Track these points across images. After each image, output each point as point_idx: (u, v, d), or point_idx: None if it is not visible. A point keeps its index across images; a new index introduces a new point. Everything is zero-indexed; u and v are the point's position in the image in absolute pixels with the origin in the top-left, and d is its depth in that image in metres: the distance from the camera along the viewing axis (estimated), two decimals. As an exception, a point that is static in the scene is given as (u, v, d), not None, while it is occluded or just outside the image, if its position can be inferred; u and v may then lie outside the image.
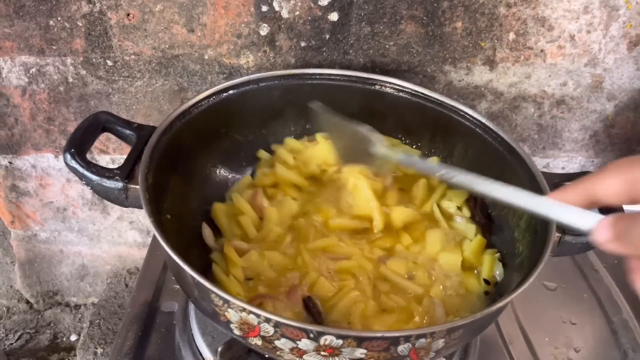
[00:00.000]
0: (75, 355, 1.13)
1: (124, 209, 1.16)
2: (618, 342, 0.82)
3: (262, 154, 0.90)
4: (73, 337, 1.24)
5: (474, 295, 0.73)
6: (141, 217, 1.19)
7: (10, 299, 1.30)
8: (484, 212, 0.82)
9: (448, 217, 0.83)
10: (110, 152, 1.08)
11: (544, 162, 1.12)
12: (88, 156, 0.70)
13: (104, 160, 1.08)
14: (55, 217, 1.18)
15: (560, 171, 1.13)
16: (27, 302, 1.30)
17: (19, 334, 1.24)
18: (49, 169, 1.11)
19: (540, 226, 0.71)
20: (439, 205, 0.83)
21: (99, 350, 1.09)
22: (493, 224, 0.82)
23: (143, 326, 0.80)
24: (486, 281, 0.74)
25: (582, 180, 0.45)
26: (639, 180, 0.39)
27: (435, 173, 0.68)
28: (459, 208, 0.84)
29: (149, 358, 0.76)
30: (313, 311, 0.65)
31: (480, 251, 0.77)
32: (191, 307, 0.80)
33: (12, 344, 1.22)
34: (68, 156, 0.68)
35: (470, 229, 0.80)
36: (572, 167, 1.13)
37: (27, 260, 1.25)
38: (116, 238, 1.22)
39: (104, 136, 1.06)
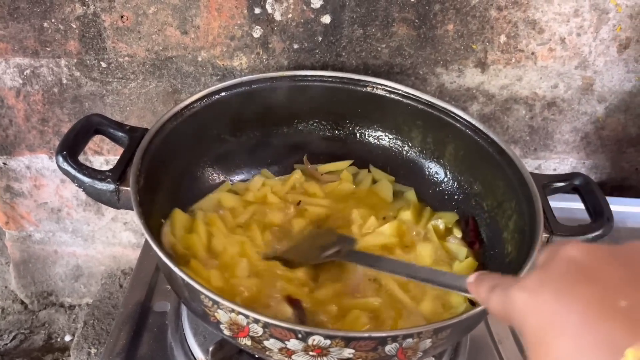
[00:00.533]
0: (69, 355, 1.13)
1: (118, 209, 1.17)
2: (606, 342, 0.83)
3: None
4: (67, 338, 1.24)
5: (460, 311, 0.71)
6: (135, 218, 1.19)
7: (5, 299, 1.30)
8: (475, 234, 0.83)
9: (441, 236, 0.83)
10: (105, 154, 1.09)
11: (536, 164, 1.13)
12: (82, 157, 0.71)
13: (98, 162, 1.09)
14: (49, 217, 1.18)
15: (552, 172, 1.13)
16: (22, 302, 1.30)
17: (13, 334, 1.24)
18: (43, 169, 1.11)
19: (528, 227, 0.72)
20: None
21: (93, 351, 1.09)
22: (484, 245, 0.82)
23: (135, 326, 0.81)
24: (471, 302, 0.72)
25: (494, 288, 0.44)
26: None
27: None
28: (450, 229, 0.84)
29: (141, 358, 0.76)
30: (299, 311, 0.66)
31: (469, 272, 0.76)
32: (183, 307, 0.81)
33: (6, 344, 1.22)
34: (60, 158, 0.69)
35: (461, 250, 0.80)
36: (564, 169, 1.13)
37: (21, 261, 1.25)
38: (110, 239, 1.22)
39: (98, 137, 1.05)
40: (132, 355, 0.77)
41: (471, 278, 0.48)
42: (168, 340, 0.79)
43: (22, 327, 1.26)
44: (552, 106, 1.05)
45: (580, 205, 0.80)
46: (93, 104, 1.02)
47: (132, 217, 1.19)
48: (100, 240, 1.22)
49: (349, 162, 0.94)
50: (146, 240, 1.01)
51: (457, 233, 0.84)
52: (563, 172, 1.12)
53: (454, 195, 0.88)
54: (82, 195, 1.15)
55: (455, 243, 0.82)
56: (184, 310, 0.80)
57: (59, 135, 1.06)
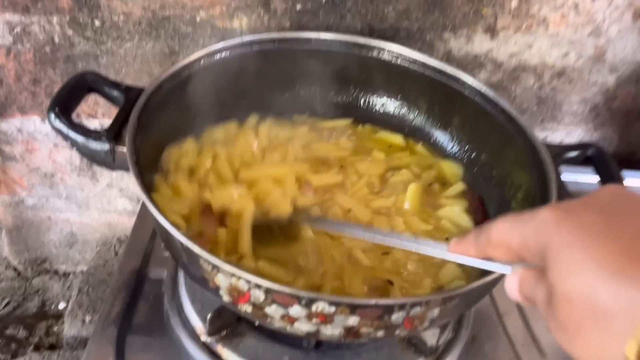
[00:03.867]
0: (63, 322, 1.11)
1: (113, 175, 1.14)
2: (613, 316, 0.81)
3: None
4: (61, 305, 1.23)
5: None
6: (131, 184, 1.16)
7: (-2, 265, 1.28)
8: (484, 214, 0.79)
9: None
10: (99, 117, 1.05)
11: (542, 136, 1.10)
12: (77, 121, 0.68)
13: (92, 125, 1.05)
14: (42, 183, 1.15)
15: (558, 145, 1.11)
16: (15, 269, 1.28)
17: (6, 300, 1.22)
18: (35, 133, 1.08)
19: (539, 198, 0.69)
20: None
21: (87, 318, 1.07)
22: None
23: (131, 293, 0.78)
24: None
25: (479, 235, 0.45)
26: (520, 246, 0.40)
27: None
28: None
29: (136, 326, 0.74)
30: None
31: None
32: (180, 274, 0.79)
33: (-1, 310, 1.21)
34: (52, 116, 0.66)
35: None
36: (571, 141, 1.11)
37: (14, 227, 1.22)
38: (105, 205, 1.20)
39: (92, 100, 1.03)
40: (126, 323, 0.75)
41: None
42: (164, 308, 0.77)
43: (15, 294, 1.24)
44: (561, 75, 1.02)
45: (585, 179, 0.78)
46: (87, 64, 0.98)
47: (127, 183, 1.16)
48: (95, 207, 1.20)
49: (350, 119, 0.90)
50: (142, 206, 0.99)
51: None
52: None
53: (460, 165, 0.85)
54: (76, 160, 1.12)
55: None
56: (181, 278, 0.78)
57: (51, 97, 1.02)
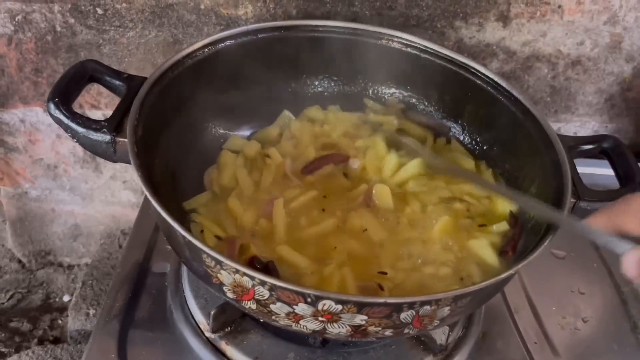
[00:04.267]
0: (67, 315, 1.10)
1: (117, 167, 1.12)
2: (628, 313, 0.79)
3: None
4: (66, 298, 1.21)
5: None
6: (135, 176, 1.14)
7: (2, 258, 1.27)
8: (515, 245, 0.71)
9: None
10: (102, 107, 1.03)
11: (555, 127, 1.06)
12: (79, 111, 0.66)
13: (95, 116, 1.03)
14: (45, 174, 1.14)
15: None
16: (19, 261, 1.27)
17: (10, 293, 1.21)
18: (38, 124, 1.06)
19: (554, 192, 0.67)
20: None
21: (91, 312, 1.06)
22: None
23: (133, 287, 0.77)
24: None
25: (611, 210, 0.49)
26: None
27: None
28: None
29: (138, 320, 0.73)
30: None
31: None
32: (184, 268, 0.77)
33: (3, 303, 1.19)
34: (52, 106, 0.64)
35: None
36: (585, 133, 1.08)
37: (18, 219, 1.21)
38: (109, 198, 1.18)
39: (95, 90, 1.01)
40: (129, 318, 0.73)
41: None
42: (167, 302, 0.75)
43: (19, 287, 1.23)
44: (576, 65, 0.99)
45: (600, 171, 0.76)
46: (89, 53, 0.96)
47: (131, 175, 1.14)
48: (99, 199, 1.18)
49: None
50: (145, 199, 0.97)
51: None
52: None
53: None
54: (80, 152, 1.10)
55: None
56: (185, 272, 0.77)
57: (53, 87, 1.00)
